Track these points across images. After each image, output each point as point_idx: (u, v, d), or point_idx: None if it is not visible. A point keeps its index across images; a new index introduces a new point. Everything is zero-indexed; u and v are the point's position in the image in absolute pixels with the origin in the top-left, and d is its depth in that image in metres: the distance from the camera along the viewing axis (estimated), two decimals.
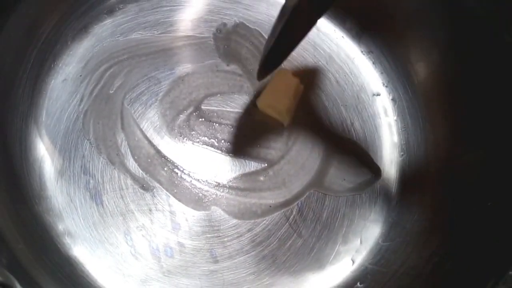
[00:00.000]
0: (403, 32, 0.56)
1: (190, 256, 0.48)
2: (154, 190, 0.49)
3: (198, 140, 0.52)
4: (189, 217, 0.49)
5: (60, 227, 0.47)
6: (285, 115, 0.52)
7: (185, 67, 0.54)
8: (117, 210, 0.48)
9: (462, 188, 0.48)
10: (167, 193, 0.49)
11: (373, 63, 0.58)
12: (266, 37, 0.57)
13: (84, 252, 0.46)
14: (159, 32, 0.55)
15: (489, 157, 0.46)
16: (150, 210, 0.49)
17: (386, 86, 0.57)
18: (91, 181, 0.49)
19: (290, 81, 0.52)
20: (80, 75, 0.52)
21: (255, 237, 0.49)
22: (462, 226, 0.45)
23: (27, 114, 0.49)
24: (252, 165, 0.52)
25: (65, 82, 0.52)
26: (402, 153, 0.55)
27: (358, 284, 0.49)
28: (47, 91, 0.51)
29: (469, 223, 0.45)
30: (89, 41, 0.54)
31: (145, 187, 0.49)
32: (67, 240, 0.46)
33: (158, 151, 0.51)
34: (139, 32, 0.55)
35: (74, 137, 0.50)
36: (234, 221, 0.49)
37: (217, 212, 0.50)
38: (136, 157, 0.50)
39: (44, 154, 0.49)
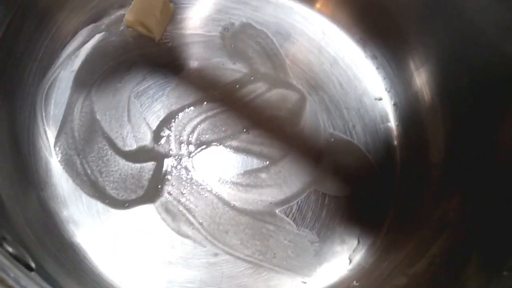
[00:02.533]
0: (406, 39, 0.57)
1: (191, 248, 0.48)
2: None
3: (202, 135, 0.53)
4: (191, 209, 0.50)
5: (65, 213, 0.47)
6: (154, 31, 0.54)
7: (192, 64, 0.55)
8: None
9: (462, 191, 0.49)
10: (172, 184, 0.50)
11: (377, 68, 0.59)
12: (273, 38, 0.58)
13: (87, 239, 0.47)
14: (168, 28, 0.56)
15: (489, 162, 0.47)
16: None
17: (389, 91, 0.59)
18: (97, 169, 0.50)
19: None
20: (89, 67, 0.53)
21: (255, 233, 0.50)
22: (460, 227, 0.46)
23: (36, 103, 0.50)
24: (255, 162, 0.53)
25: (74, 73, 0.53)
26: (402, 156, 0.56)
27: (355, 282, 0.49)
28: (56, 82, 0.52)
29: (467, 224, 0.46)
30: (100, 34, 0.55)
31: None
32: (71, 227, 0.47)
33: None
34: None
35: (81, 127, 0.51)
36: (234, 216, 0.50)
37: (218, 206, 0.50)
38: (141, 149, 0.51)
39: (51, 142, 0.50)
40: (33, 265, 0.32)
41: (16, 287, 0.28)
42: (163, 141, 0.52)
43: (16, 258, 0.30)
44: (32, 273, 0.29)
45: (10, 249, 0.32)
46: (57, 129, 0.50)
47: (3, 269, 0.28)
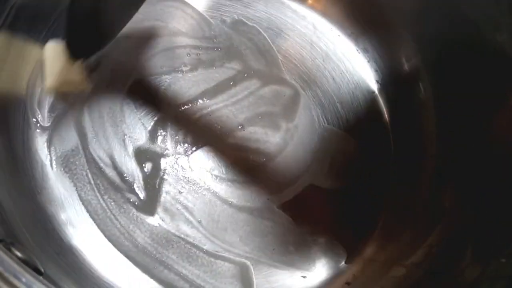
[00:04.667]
0: (398, 32, 0.58)
1: (190, 245, 0.48)
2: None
3: (198, 133, 0.53)
4: (189, 208, 0.50)
5: (62, 216, 0.47)
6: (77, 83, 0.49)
7: (185, 62, 0.55)
8: None
9: (457, 180, 0.50)
10: (169, 184, 0.50)
11: (368, 61, 0.60)
12: (265, 34, 0.58)
13: (85, 241, 0.47)
14: (160, 26, 0.56)
15: (484, 151, 0.47)
16: None
17: (381, 84, 0.59)
18: (93, 171, 0.49)
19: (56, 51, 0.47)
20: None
21: (254, 229, 0.50)
22: (456, 216, 0.47)
23: (30, 104, 0.49)
24: (251, 159, 0.53)
25: None
26: (396, 150, 0.56)
27: (354, 275, 0.50)
28: None
29: (463, 213, 0.46)
30: None
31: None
32: (69, 230, 0.47)
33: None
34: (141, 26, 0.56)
35: (76, 128, 0.50)
36: (233, 213, 0.50)
37: (216, 203, 0.51)
38: (137, 149, 0.51)
39: (46, 145, 0.49)
40: (42, 269, 0.32)
41: None
42: (159, 140, 0.52)
43: (26, 263, 0.30)
44: (41, 278, 0.29)
45: (18, 254, 0.32)
46: (52, 131, 0.50)
47: (14, 275, 0.28)
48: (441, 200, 0.50)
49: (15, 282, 0.28)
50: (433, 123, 0.55)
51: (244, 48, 0.57)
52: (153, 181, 0.50)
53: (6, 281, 0.28)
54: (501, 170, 0.45)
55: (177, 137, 0.52)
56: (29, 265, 0.30)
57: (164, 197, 0.50)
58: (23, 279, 0.28)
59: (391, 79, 0.59)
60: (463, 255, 0.43)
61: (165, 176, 0.50)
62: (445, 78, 0.53)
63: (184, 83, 0.54)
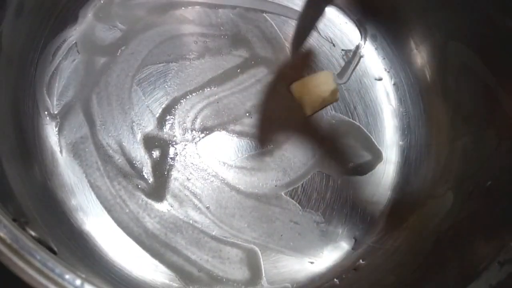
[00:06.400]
0: (405, 18, 0.58)
1: (197, 231, 0.49)
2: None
3: (205, 121, 0.53)
4: (198, 194, 0.50)
5: (73, 202, 0.48)
6: (308, 107, 0.54)
7: (193, 50, 0.55)
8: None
9: (463, 169, 0.50)
10: (178, 170, 0.51)
11: (376, 48, 0.59)
12: (271, 21, 0.58)
13: (96, 227, 0.48)
14: (168, 14, 0.56)
15: (490, 139, 0.47)
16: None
17: (388, 71, 0.59)
18: (102, 158, 0.50)
19: (330, 83, 0.54)
20: (90, 57, 0.53)
21: (261, 215, 0.51)
22: (462, 206, 0.47)
23: (40, 92, 0.50)
24: (258, 146, 0.53)
25: (76, 63, 0.52)
26: (403, 136, 0.56)
27: (361, 261, 0.50)
28: (58, 71, 0.52)
29: (470, 203, 0.46)
30: (99, 23, 0.54)
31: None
32: (80, 215, 0.47)
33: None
34: (148, 15, 0.56)
35: (84, 116, 0.51)
36: (241, 199, 0.51)
37: (224, 190, 0.51)
38: (145, 136, 0.51)
39: (56, 132, 0.50)
40: (55, 249, 0.33)
41: (43, 269, 0.28)
42: (167, 127, 0.52)
43: (40, 242, 0.31)
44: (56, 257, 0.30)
45: (32, 233, 0.32)
46: (61, 118, 0.50)
47: (29, 252, 0.28)
48: (449, 187, 0.50)
49: (31, 259, 0.28)
50: (442, 110, 0.55)
51: (251, 35, 0.57)
52: (162, 167, 0.50)
53: (22, 257, 0.28)
54: (508, 157, 0.45)
55: (185, 124, 0.52)
56: (43, 244, 0.31)
57: (172, 184, 0.50)
58: (38, 257, 0.29)
59: (399, 66, 0.59)
60: (473, 241, 0.43)
61: (173, 163, 0.51)
62: (454, 65, 0.53)
63: (191, 70, 0.55)
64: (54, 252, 0.33)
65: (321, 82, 0.54)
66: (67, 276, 0.29)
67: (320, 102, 0.54)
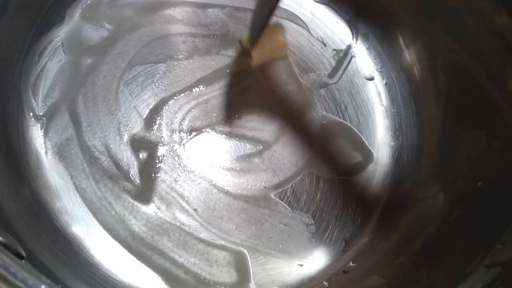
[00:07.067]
0: (396, 18, 0.57)
1: (185, 234, 0.48)
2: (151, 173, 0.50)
3: (194, 122, 0.52)
4: (185, 196, 0.49)
5: (57, 204, 0.47)
6: (255, 55, 0.54)
7: (181, 50, 0.55)
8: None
9: (454, 170, 0.49)
10: (165, 172, 0.50)
11: (367, 48, 0.59)
12: None
13: (81, 229, 0.47)
14: (156, 14, 0.55)
15: (481, 139, 0.47)
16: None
17: (380, 71, 0.58)
18: (88, 160, 0.49)
19: (279, 36, 0.55)
20: (76, 57, 0.52)
21: (250, 217, 0.50)
22: (453, 207, 0.46)
23: (25, 93, 0.49)
24: (247, 147, 0.52)
25: (62, 63, 0.52)
26: (395, 137, 0.56)
27: (351, 263, 0.50)
28: (44, 72, 0.51)
29: (460, 204, 0.46)
30: (86, 23, 0.54)
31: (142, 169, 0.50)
32: (64, 218, 0.47)
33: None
34: (136, 15, 0.55)
35: (70, 117, 0.50)
36: (229, 201, 0.50)
37: (212, 192, 0.50)
38: (132, 137, 0.50)
39: (41, 133, 0.49)
40: (23, 253, 0.32)
41: (4, 274, 0.28)
42: (154, 129, 0.51)
43: (6, 247, 0.30)
44: (23, 262, 0.29)
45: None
46: (47, 119, 0.50)
47: None
48: (439, 189, 0.49)
49: None
50: (433, 109, 0.54)
51: (240, 34, 0.56)
52: (149, 169, 0.50)
53: None
54: (501, 159, 0.44)
55: (172, 125, 0.52)
56: (9, 249, 0.30)
57: (159, 186, 0.50)
58: (0, 262, 0.28)
59: (390, 65, 0.58)
60: (462, 242, 0.43)
61: (161, 165, 0.50)
62: (444, 63, 0.52)
63: (179, 70, 0.54)
64: (21, 257, 0.32)
65: (270, 34, 0.54)
66: (30, 282, 0.29)
67: (268, 52, 0.54)
